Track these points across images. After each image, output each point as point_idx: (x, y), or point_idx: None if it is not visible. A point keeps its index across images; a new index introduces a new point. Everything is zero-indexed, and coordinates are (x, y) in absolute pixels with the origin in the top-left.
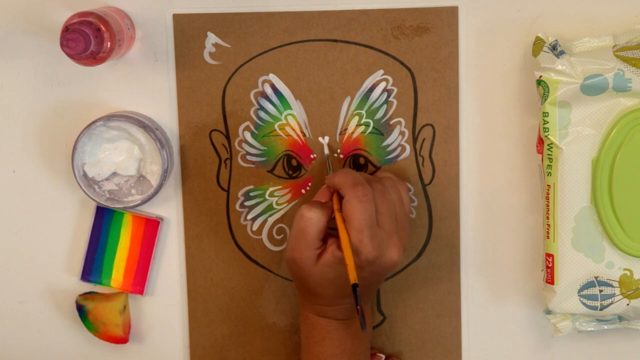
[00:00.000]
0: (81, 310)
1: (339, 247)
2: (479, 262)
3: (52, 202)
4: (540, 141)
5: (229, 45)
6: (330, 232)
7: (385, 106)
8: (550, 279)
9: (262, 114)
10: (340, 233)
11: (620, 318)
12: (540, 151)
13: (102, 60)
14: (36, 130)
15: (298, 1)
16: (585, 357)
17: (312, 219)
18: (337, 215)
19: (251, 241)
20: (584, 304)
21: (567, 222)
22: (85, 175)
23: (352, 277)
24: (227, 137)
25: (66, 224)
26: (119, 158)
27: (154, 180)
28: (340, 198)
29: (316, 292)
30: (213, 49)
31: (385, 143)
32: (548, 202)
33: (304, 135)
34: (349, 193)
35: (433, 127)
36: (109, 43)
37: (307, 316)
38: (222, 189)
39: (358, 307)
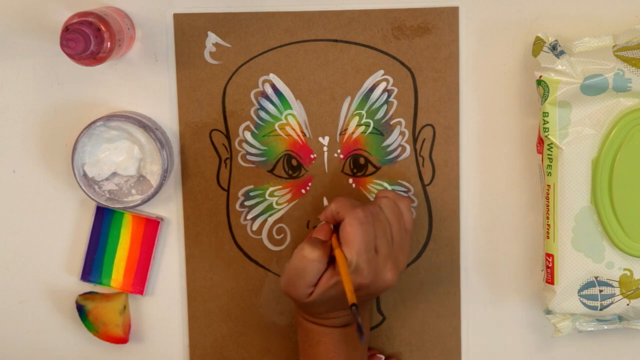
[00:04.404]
0: (81, 310)
1: (332, 272)
2: (479, 262)
3: (52, 202)
4: (540, 141)
5: (229, 45)
6: None
7: (385, 106)
8: (550, 279)
9: (262, 114)
10: (339, 263)
11: (620, 318)
12: (540, 151)
13: (102, 60)
14: (36, 130)
15: (298, 1)
16: (585, 357)
17: (314, 261)
18: (337, 252)
19: (251, 241)
20: (584, 304)
21: (567, 222)
22: (85, 175)
23: (351, 298)
24: (227, 136)
25: (66, 224)
26: (119, 158)
27: (154, 180)
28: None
29: (310, 311)
30: (213, 49)
31: (385, 143)
32: (548, 202)
33: (304, 135)
34: (350, 215)
35: (433, 128)
36: (109, 43)
37: (301, 321)
38: (222, 188)
39: (357, 324)
